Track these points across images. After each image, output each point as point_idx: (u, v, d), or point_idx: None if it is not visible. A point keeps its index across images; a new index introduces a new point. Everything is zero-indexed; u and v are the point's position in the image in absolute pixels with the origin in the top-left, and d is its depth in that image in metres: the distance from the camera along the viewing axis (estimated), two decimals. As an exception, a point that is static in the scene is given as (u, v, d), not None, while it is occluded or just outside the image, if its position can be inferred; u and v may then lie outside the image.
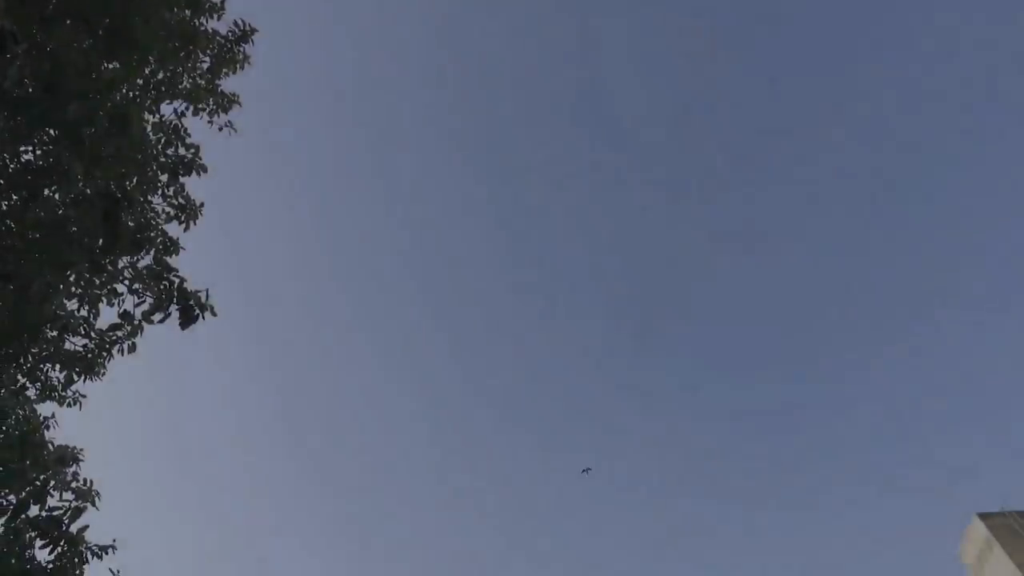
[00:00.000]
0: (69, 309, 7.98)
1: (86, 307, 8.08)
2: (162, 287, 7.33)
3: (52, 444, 7.99)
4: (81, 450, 8.58)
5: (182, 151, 8.01)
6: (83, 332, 8.53)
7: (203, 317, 7.44)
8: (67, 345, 8.48)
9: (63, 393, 8.88)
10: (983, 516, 22.94)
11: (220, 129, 8.49)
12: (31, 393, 8.53)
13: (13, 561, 7.11)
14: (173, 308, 7.34)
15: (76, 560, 7.45)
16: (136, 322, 7.87)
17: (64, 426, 8.99)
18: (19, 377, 8.21)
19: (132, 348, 8.66)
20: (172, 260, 7.92)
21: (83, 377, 8.69)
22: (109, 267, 7.46)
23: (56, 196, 7.16)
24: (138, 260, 7.86)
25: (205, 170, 8.13)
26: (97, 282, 7.63)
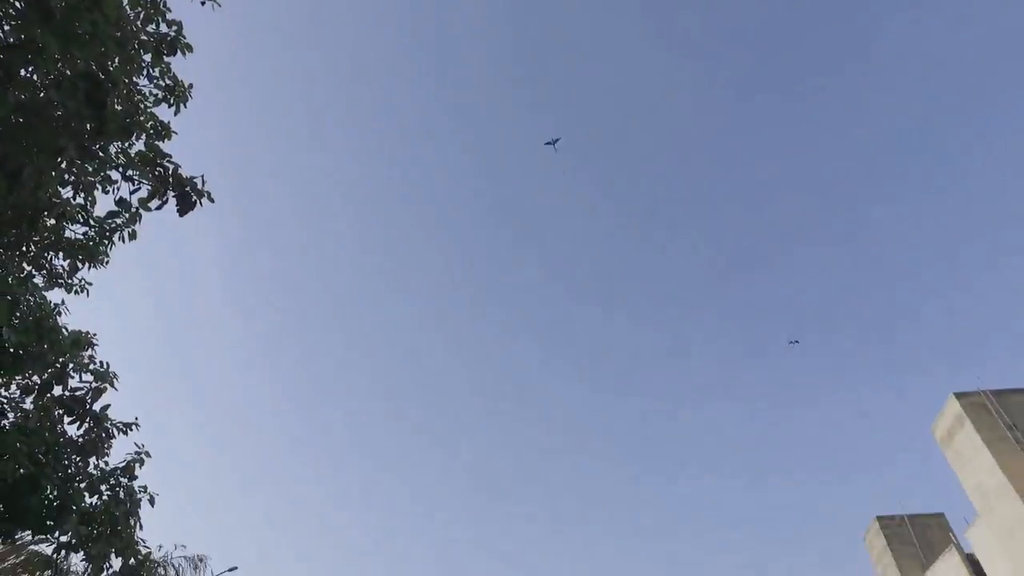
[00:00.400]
0: (64, 197, 7.89)
1: (81, 195, 7.98)
2: (157, 173, 7.20)
3: (66, 329, 8.23)
4: (95, 335, 8.87)
5: (164, 28, 7.53)
6: (82, 220, 8.50)
7: (200, 204, 7.38)
8: (67, 233, 8.48)
9: (69, 281, 9.02)
10: (958, 395, 24.15)
11: (203, 3, 7.92)
12: (38, 281, 8.66)
13: (47, 435, 7.61)
14: (170, 195, 7.26)
15: (103, 435, 7.99)
16: (134, 209, 7.82)
17: (75, 313, 9.21)
18: (24, 265, 8.29)
19: (133, 235, 8.68)
20: (165, 145, 7.71)
21: (87, 265, 8.79)
22: (100, 153, 7.27)
23: (34, 78, 6.82)
24: (130, 146, 7.66)
25: (191, 49, 7.69)
26: (90, 169, 7.47)
